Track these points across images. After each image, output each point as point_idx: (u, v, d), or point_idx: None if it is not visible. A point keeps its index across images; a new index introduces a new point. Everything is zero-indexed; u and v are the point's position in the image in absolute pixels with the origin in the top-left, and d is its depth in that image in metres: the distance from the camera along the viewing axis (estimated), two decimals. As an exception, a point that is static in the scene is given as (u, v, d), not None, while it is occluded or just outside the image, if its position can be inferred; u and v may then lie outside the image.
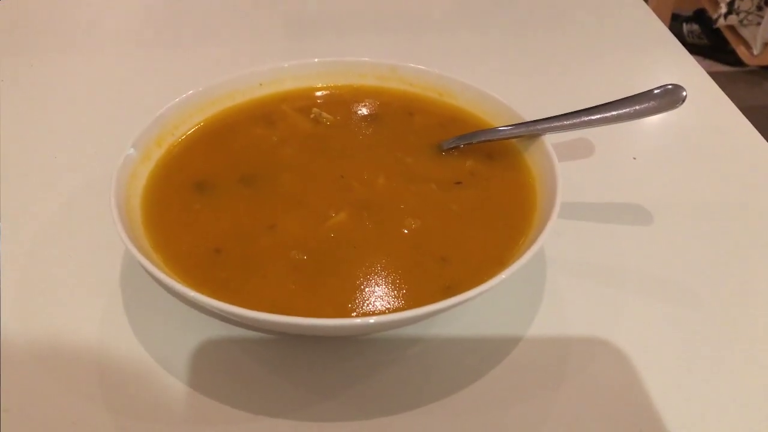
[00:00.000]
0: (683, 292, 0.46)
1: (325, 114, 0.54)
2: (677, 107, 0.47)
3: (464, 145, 0.50)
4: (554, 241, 0.48)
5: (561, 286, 0.46)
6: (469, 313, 0.44)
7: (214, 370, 0.40)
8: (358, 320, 0.37)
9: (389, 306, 0.39)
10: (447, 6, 0.88)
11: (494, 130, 0.51)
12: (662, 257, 0.48)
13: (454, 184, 0.48)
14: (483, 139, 0.50)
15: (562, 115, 0.49)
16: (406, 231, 0.44)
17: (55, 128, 0.61)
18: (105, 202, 0.42)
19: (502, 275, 0.37)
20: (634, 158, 0.58)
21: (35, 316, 0.43)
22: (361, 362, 0.41)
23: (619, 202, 0.54)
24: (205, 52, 0.75)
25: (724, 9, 1.66)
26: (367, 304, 0.39)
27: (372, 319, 0.37)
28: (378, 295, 0.40)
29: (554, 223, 0.40)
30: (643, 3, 0.87)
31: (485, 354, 0.41)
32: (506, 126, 0.50)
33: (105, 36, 0.79)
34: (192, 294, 0.36)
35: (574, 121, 0.48)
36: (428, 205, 0.46)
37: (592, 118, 0.48)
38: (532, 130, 0.49)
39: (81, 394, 0.39)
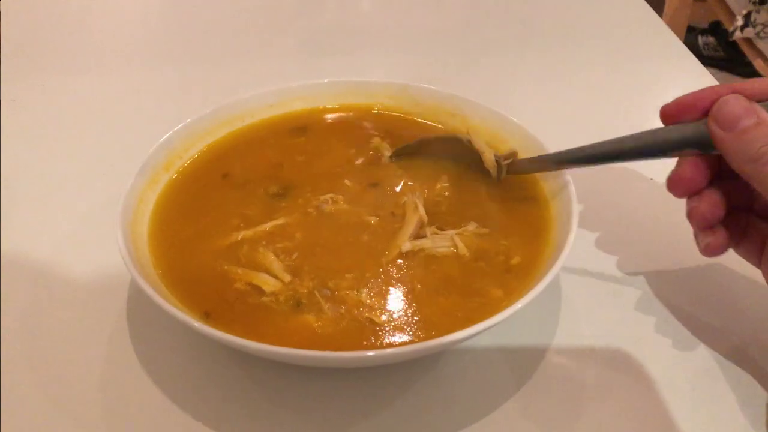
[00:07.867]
0: (712, 323, 0.44)
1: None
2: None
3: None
4: (571, 266, 0.47)
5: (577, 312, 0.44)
6: (483, 339, 0.42)
7: (222, 401, 0.39)
8: (370, 353, 0.36)
9: (404, 337, 0.38)
10: (459, 25, 0.87)
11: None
12: (691, 290, 0.46)
13: None
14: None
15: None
16: None
17: (64, 151, 0.61)
18: (111, 227, 0.41)
19: (518, 304, 0.36)
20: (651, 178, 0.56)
21: (39, 344, 0.43)
22: (370, 394, 0.40)
23: (643, 230, 0.52)
24: (215, 72, 0.74)
25: (740, 21, 1.64)
26: (381, 334, 0.38)
27: (389, 351, 0.35)
28: (396, 326, 0.39)
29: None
30: (657, 16, 0.85)
31: (500, 384, 0.40)
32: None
33: (116, 58, 0.79)
34: (197, 325, 0.35)
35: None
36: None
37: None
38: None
39: (84, 426, 0.38)
